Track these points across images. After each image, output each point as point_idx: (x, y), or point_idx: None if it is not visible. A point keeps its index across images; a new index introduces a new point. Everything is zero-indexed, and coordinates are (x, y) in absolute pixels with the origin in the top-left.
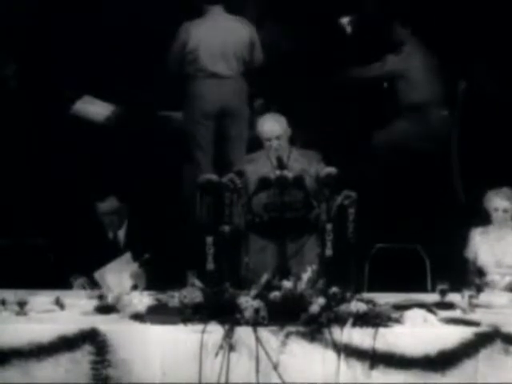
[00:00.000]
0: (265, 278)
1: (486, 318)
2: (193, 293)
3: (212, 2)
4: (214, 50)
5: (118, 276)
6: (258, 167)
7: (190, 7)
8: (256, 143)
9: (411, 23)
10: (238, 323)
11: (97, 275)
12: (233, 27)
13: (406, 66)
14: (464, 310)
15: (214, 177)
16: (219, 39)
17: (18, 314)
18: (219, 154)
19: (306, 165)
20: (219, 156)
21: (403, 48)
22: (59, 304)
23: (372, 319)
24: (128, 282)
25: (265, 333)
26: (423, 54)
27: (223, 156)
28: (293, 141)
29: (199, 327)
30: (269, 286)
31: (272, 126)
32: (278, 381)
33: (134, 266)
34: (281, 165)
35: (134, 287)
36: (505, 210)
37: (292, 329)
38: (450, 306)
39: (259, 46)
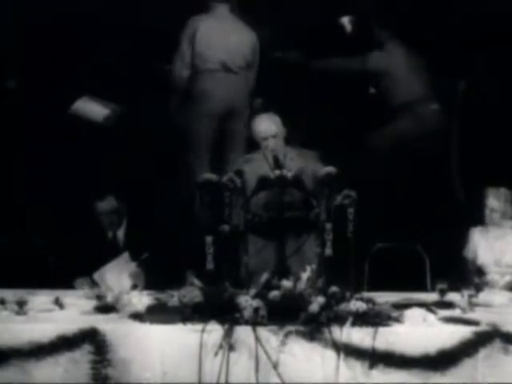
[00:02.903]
0: (264, 277)
1: (486, 318)
2: (192, 292)
3: (219, 0)
4: (220, 45)
5: (117, 276)
6: (256, 167)
7: (193, 6)
8: (251, 143)
9: (390, 25)
10: (238, 323)
11: (96, 276)
12: (238, 27)
13: (389, 62)
14: (463, 310)
15: (213, 176)
16: (225, 36)
17: (17, 313)
18: (219, 152)
19: (303, 164)
20: (219, 154)
21: (385, 46)
22: (59, 303)
23: (371, 318)
24: (127, 282)
25: (264, 332)
26: (405, 52)
27: (223, 154)
28: (290, 141)
29: (199, 327)
30: (268, 286)
31: (268, 125)
32: (278, 380)
33: (133, 266)
34: (277, 164)
35: (134, 287)
36: (492, 209)
37: (291, 328)
38: (449, 305)
39: (258, 52)
